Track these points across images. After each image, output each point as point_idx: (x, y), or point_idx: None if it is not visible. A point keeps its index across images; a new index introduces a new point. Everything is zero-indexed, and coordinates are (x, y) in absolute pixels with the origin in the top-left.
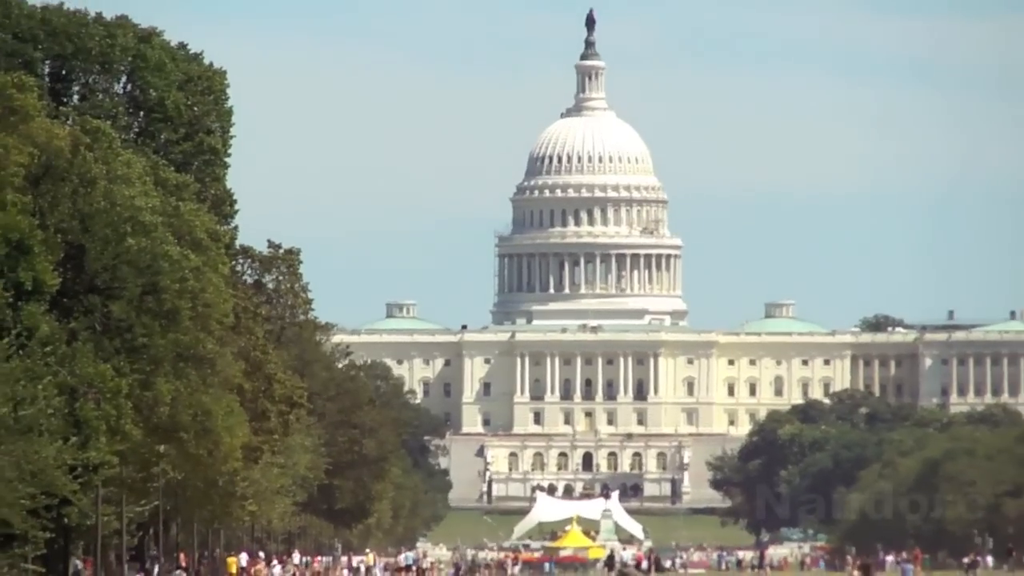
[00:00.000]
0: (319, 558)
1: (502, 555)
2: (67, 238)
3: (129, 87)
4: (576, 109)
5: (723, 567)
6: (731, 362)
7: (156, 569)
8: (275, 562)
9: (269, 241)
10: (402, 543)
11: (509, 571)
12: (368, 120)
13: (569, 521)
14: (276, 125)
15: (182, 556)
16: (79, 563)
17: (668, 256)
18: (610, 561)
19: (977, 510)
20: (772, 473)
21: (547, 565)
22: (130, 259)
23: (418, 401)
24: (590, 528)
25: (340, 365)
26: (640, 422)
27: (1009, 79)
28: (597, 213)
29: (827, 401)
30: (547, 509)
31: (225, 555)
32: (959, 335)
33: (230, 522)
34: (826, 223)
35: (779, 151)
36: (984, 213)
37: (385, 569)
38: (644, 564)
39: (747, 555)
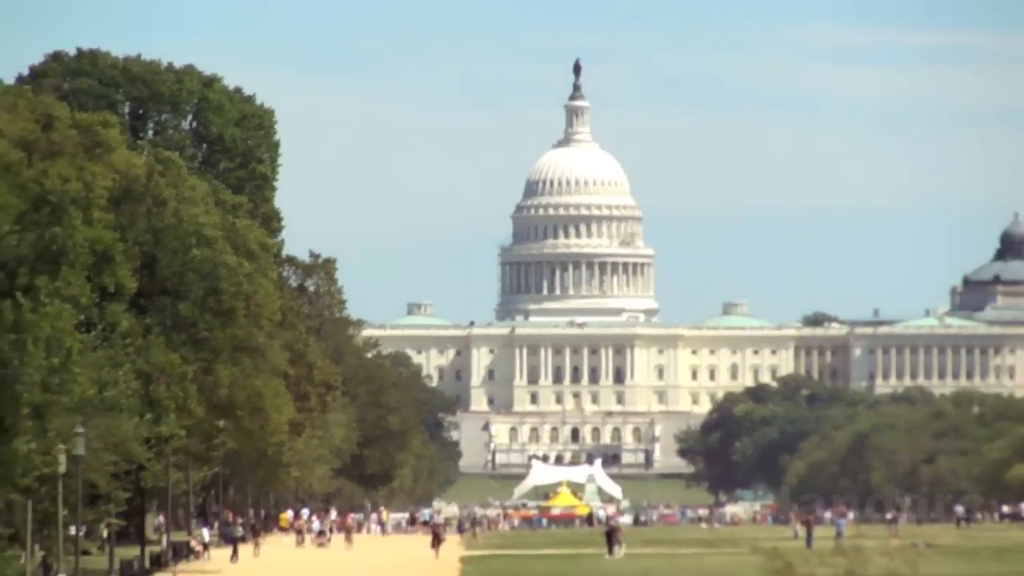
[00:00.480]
0: (351, 515)
1: (498, 512)
2: (143, 249)
3: (194, 124)
4: (565, 141)
5: (687, 521)
6: (694, 352)
7: (217, 523)
8: (314, 517)
9: (310, 251)
10: (420, 502)
11: (500, 526)
12: (393, 150)
13: (559, 484)
14: (316, 154)
15: (230, 515)
16: (160, 519)
17: (642, 264)
18: (590, 519)
19: (898, 474)
20: (728, 444)
21: (542, 521)
22: (195, 267)
23: (434, 385)
24: (577, 490)
25: (369, 355)
26: (619, 402)
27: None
28: (583, 228)
29: (774, 384)
30: (541, 474)
31: (276, 512)
32: (883, 329)
33: (278, 484)
34: (774, 235)
35: (735, 175)
36: (906, 227)
37: (409, 523)
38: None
39: (705, 512)
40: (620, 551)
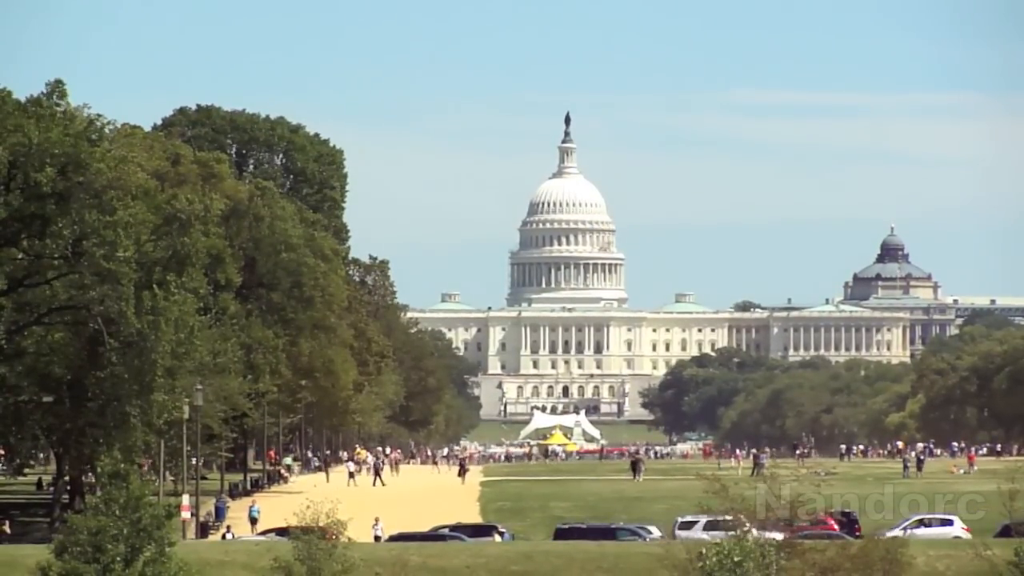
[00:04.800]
0: (398, 450)
1: (524, 448)
2: (245, 253)
3: (284, 160)
4: (558, 174)
5: (649, 456)
6: (654, 330)
7: (305, 457)
8: (368, 454)
9: (369, 255)
10: (451, 441)
11: (533, 459)
12: (432, 180)
13: (554, 428)
14: (375, 182)
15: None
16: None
17: (615, 264)
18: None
19: (804, 421)
20: (679, 399)
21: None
22: (284, 266)
23: (461, 354)
24: (567, 433)
25: (412, 331)
26: (598, 367)
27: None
28: (572, 238)
29: (713, 354)
30: (540, 420)
31: (348, 448)
32: (794, 313)
33: (345, 428)
34: (714, 243)
35: (686, 197)
36: (811, 237)
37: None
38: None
39: (662, 449)
40: (640, 477)
